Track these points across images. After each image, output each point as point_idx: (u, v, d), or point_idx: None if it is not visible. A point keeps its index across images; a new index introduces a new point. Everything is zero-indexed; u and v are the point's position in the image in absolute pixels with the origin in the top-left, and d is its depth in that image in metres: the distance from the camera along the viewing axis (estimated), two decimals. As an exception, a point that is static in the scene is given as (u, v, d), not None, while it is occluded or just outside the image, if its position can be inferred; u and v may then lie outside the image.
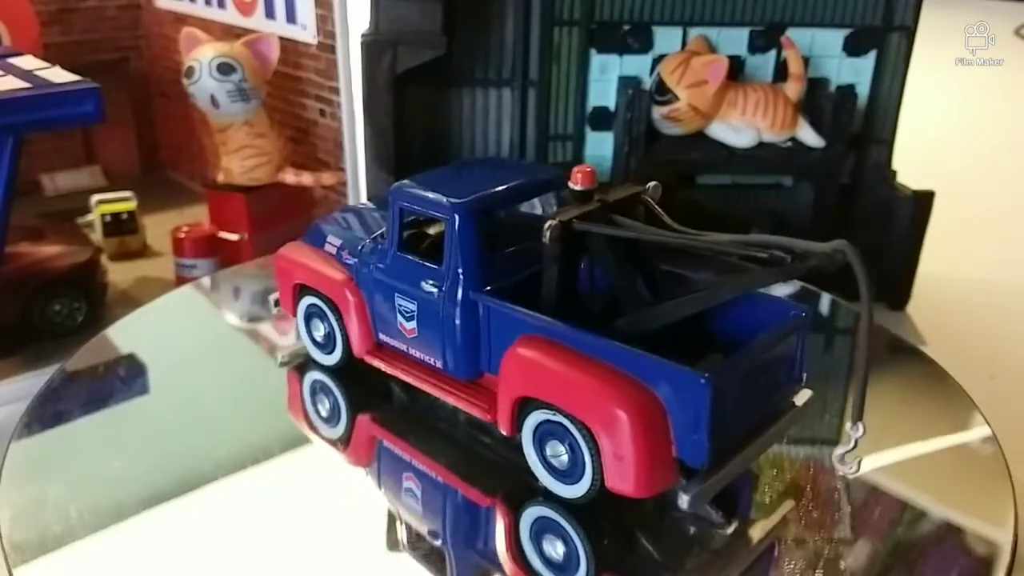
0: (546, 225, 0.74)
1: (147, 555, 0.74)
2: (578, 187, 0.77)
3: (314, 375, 0.94)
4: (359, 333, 0.88)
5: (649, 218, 0.79)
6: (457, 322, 0.78)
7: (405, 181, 0.83)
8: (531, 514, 0.74)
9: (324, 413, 0.91)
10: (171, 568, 0.73)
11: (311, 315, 0.93)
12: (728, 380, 0.67)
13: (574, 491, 0.72)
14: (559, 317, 0.74)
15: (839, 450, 0.70)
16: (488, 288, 0.78)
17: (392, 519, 0.78)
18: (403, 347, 0.84)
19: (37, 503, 0.78)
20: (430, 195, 0.80)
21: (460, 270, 0.78)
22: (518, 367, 0.74)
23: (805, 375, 0.75)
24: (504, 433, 0.75)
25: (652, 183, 0.79)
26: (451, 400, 0.81)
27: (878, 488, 0.84)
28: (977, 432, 0.91)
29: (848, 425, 0.69)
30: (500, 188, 0.81)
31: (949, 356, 1.05)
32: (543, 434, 0.73)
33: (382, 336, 0.86)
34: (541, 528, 0.73)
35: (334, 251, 0.90)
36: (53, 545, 0.73)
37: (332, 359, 0.92)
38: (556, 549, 0.71)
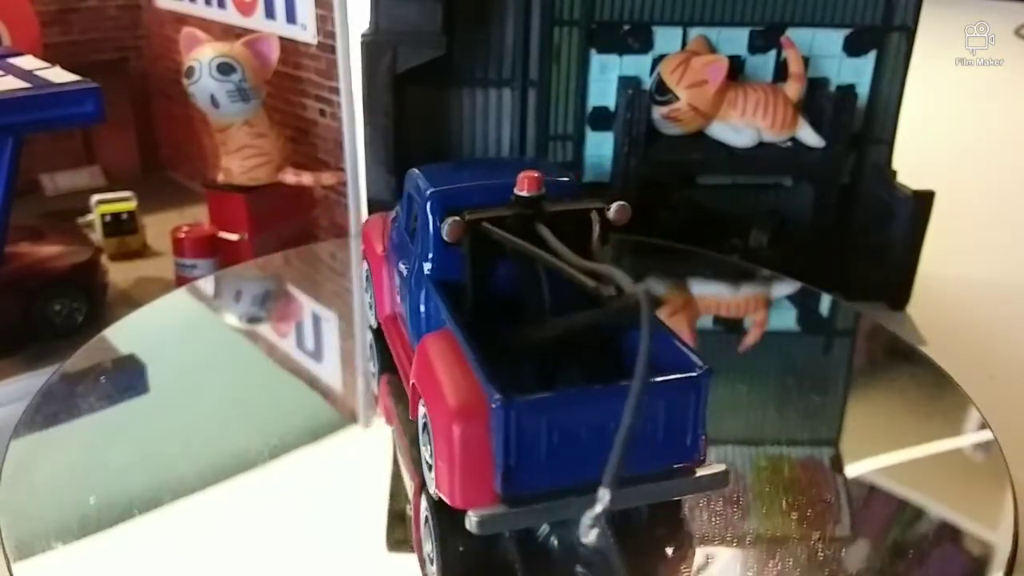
0: (448, 220, 0.76)
1: (147, 555, 0.74)
2: (523, 193, 0.77)
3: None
4: (377, 302, 0.97)
5: (601, 234, 0.78)
6: (410, 303, 0.83)
7: (418, 167, 0.87)
8: None
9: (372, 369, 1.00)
10: (170, 568, 0.73)
11: (367, 279, 1.03)
12: (533, 413, 0.63)
13: (431, 485, 0.72)
14: (482, 316, 0.74)
15: (588, 514, 0.57)
16: (442, 278, 0.79)
17: (393, 520, 0.78)
18: (400, 321, 0.91)
19: (37, 502, 0.78)
20: (421, 182, 0.83)
21: (420, 255, 0.80)
22: (416, 356, 0.75)
23: (703, 443, 0.68)
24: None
25: (617, 203, 0.77)
26: (402, 377, 0.84)
27: (878, 488, 0.84)
28: (977, 432, 0.91)
29: (600, 489, 0.56)
30: (484, 183, 0.82)
31: (949, 356, 1.05)
32: (424, 425, 0.73)
33: (398, 308, 0.92)
34: None
35: (390, 223, 0.96)
36: (53, 544, 0.73)
37: (373, 323, 1.03)
38: None
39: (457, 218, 0.75)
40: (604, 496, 0.55)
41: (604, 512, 0.55)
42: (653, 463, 0.67)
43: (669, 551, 0.74)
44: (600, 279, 0.66)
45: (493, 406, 0.63)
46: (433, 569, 0.71)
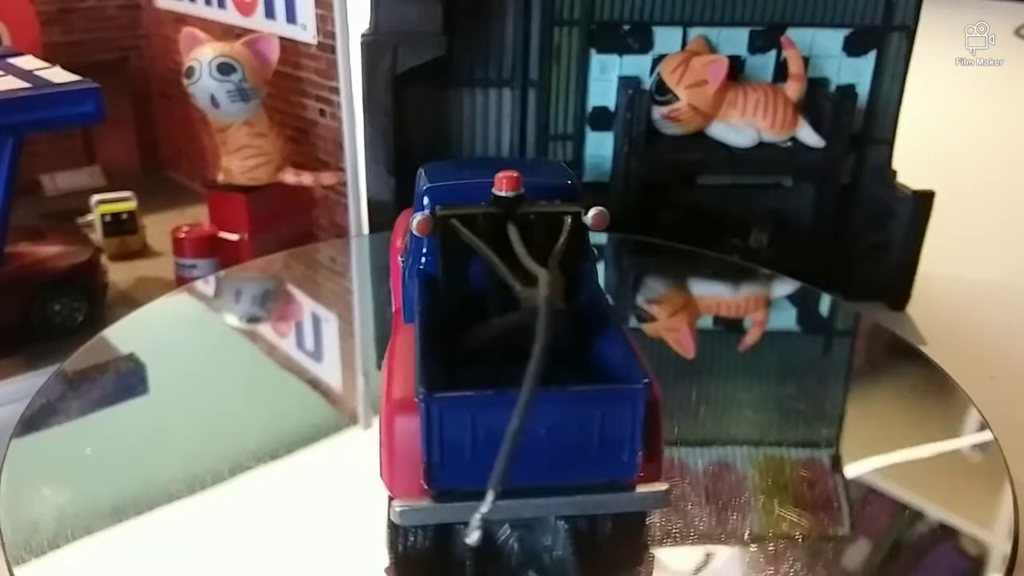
0: (417, 215, 0.76)
1: (147, 555, 0.74)
2: (501, 192, 0.77)
3: None
4: (393, 295, 0.95)
5: (570, 238, 0.76)
6: (404, 296, 0.83)
7: (428, 164, 0.87)
8: None
9: None
10: (170, 568, 0.73)
11: (389, 271, 1.00)
12: (455, 410, 0.63)
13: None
14: (458, 313, 0.74)
15: (475, 516, 0.58)
16: (429, 272, 0.79)
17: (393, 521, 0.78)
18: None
19: (37, 503, 0.78)
20: (422, 178, 0.84)
21: (414, 249, 0.81)
22: (387, 349, 0.76)
23: (640, 458, 0.65)
24: None
25: (595, 209, 0.75)
26: None
27: (877, 488, 0.84)
28: (977, 433, 0.91)
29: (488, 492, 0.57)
30: (482, 181, 0.81)
31: (949, 356, 1.05)
32: None
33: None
34: None
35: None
36: (53, 545, 0.73)
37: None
38: None
39: (426, 213, 0.75)
40: (489, 498, 0.56)
41: (488, 512, 0.56)
42: (586, 474, 0.66)
43: (628, 566, 0.74)
44: (532, 283, 0.65)
45: (416, 400, 0.63)
46: (387, 562, 0.72)
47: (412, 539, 0.72)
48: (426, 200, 0.81)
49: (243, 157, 1.87)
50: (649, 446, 0.66)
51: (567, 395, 0.64)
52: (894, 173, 1.76)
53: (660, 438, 0.67)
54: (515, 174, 0.77)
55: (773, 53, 1.71)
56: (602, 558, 0.72)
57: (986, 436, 0.88)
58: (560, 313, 0.62)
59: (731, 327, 1.22)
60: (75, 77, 1.49)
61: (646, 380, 0.64)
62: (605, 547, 0.72)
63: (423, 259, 0.80)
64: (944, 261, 1.87)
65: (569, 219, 0.75)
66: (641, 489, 0.66)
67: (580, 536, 0.71)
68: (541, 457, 0.65)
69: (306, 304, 1.28)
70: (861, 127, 1.73)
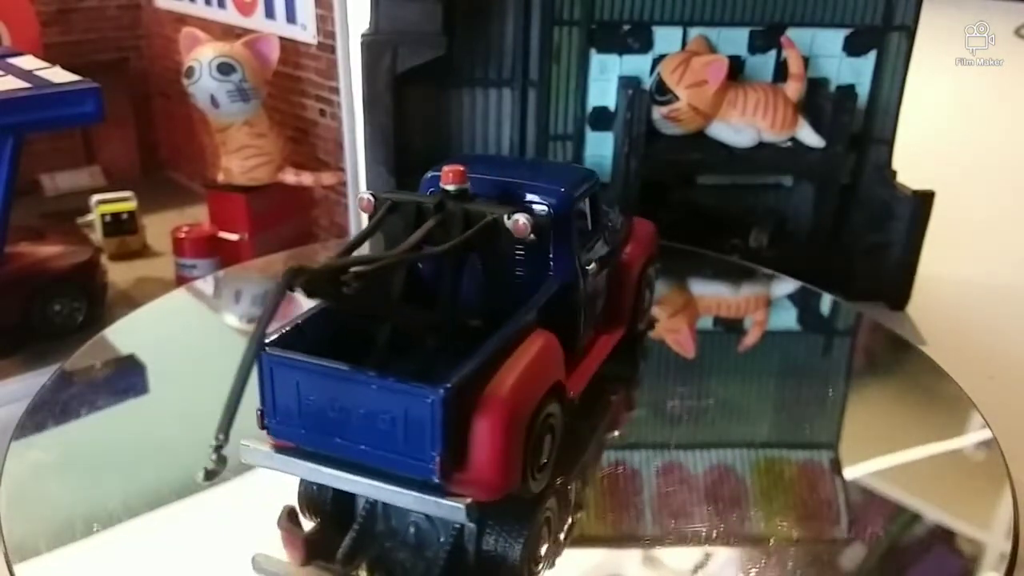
0: (360, 193, 0.81)
1: (147, 555, 0.74)
2: (449, 186, 0.80)
3: None
4: None
5: (490, 234, 0.79)
6: None
7: (461, 154, 0.90)
8: None
9: None
10: (170, 568, 0.73)
11: None
12: (282, 368, 0.69)
13: None
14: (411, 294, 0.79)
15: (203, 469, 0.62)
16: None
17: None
18: None
19: (37, 502, 0.78)
20: (433, 170, 0.86)
21: None
22: None
23: (437, 457, 0.65)
24: None
25: (518, 215, 0.77)
26: None
27: (877, 488, 0.84)
28: (977, 432, 0.91)
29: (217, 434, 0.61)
30: (482, 177, 0.84)
31: (949, 356, 1.05)
32: None
33: None
34: None
35: None
36: (53, 544, 0.74)
37: None
38: None
39: (368, 194, 0.81)
40: (212, 445, 0.61)
41: (218, 455, 0.61)
42: (396, 466, 0.68)
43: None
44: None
45: (263, 358, 0.69)
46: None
47: (313, 498, 0.76)
48: (421, 189, 0.85)
49: (243, 157, 1.87)
50: (457, 453, 0.66)
51: (371, 381, 0.67)
52: (894, 173, 1.76)
53: (485, 449, 0.66)
54: (460, 168, 0.81)
55: (773, 53, 1.71)
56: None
57: (986, 436, 0.88)
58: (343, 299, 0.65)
59: (731, 327, 1.22)
60: (75, 77, 1.49)
61: (446, 387, 0.64)
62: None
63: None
64: (944, 261, 1.87)
65: (491, 220, 0.78)
66: (445, 500, 0.66)
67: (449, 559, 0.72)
68: (358, 437, 0.68)
69: (306, 304, 1.28)
70: (861, 127, 1.73)
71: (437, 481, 0.66)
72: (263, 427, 0.71)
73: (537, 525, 0.74)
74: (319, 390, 0.68)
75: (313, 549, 0.72)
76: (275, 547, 0.74)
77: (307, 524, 0.76)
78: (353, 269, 0.64)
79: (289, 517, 0.76)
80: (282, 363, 0.69)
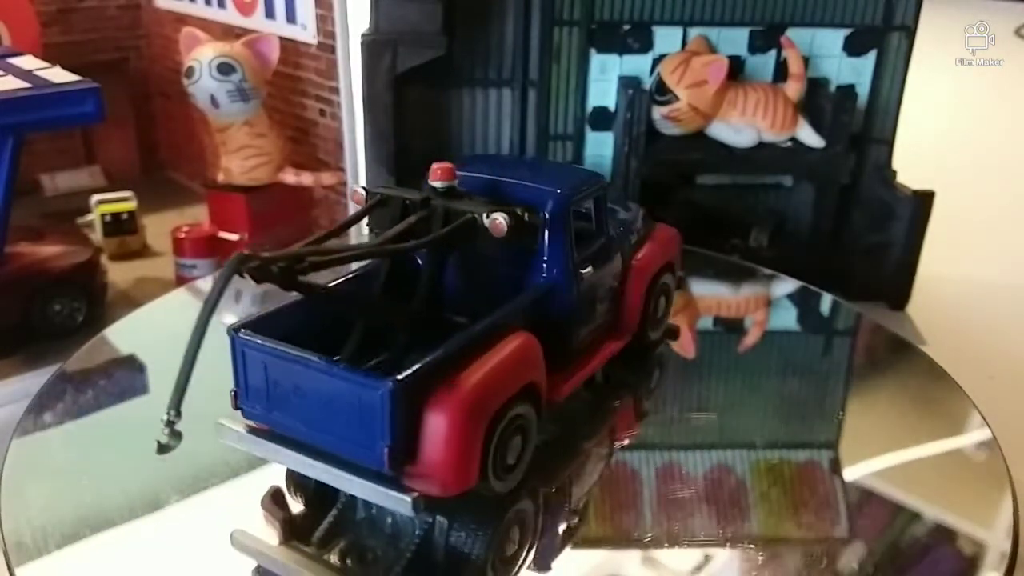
0: (352, 186, 0.81)
1: (147, 555, 0.74)
2: (436, 183, 0.80)
3: None
4: None
5: (468, 232, 0.80)
6: None
7: (476, 154, 0.90)
8: None
9: None
10: (171, 569, 0.73)
11: None
12: (252, 350, 0.71)
13: None
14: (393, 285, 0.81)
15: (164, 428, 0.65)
16: None
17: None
18: None
19: (37, 503, 0.78)
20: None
21: None
22: None
23: (386, 448, 0.66)
24: None
25: (496, 215, 0.77)
26: None
27: (877, 488, 0.84)
28: (977, 432, 0.91)
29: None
30: (486, 177, 0.85)
31: (949, 356, 1.05)
32: None
33: None
34: None
35: None
36: (53, 545, 0.73)
37: None
38: None
39: (360, 187, 0.82)
40: (163, 419, 0.64)
41: (171, 430, 0.64)
42: (351, 453, 0.69)
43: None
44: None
45: (232, 335, 0.71)
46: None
47: (299, 480, 0.77)
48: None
49: (243, 157, 1.87)
50: (409, 446, 0.67)
51: (326, 369, 0.68)
52: (894, 173, 1.76)
53: (437, 445, 0.66)
54: (449, 166, 0.81)
55: (773, 53, 1.71)
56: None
57: (986, 436, 0.88)
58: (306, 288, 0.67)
59: (731, 327, 1.22)
60: (75, 77, 1.50)
61: (395, 379, 0.64)
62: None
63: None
64: (944, 261, 1.87)
65: (470, 218, 0.78)
66: (397, 492, 0.67)
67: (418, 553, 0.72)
68: (318, 423, 0.69)
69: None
70: (861, 127, 1.74)
71: (388, 472, 0.67)
72: (236, 407, 0.74)
73: (504, 526, 0.74)
74: (284, 375, 0.70)
75: (292, 529, 0.73)
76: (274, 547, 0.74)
77: (295, 506, 0.77)
78: (310, 259, 0.66)
79: (273, 498, 0.77)
80: (251, 346, 0.71)
